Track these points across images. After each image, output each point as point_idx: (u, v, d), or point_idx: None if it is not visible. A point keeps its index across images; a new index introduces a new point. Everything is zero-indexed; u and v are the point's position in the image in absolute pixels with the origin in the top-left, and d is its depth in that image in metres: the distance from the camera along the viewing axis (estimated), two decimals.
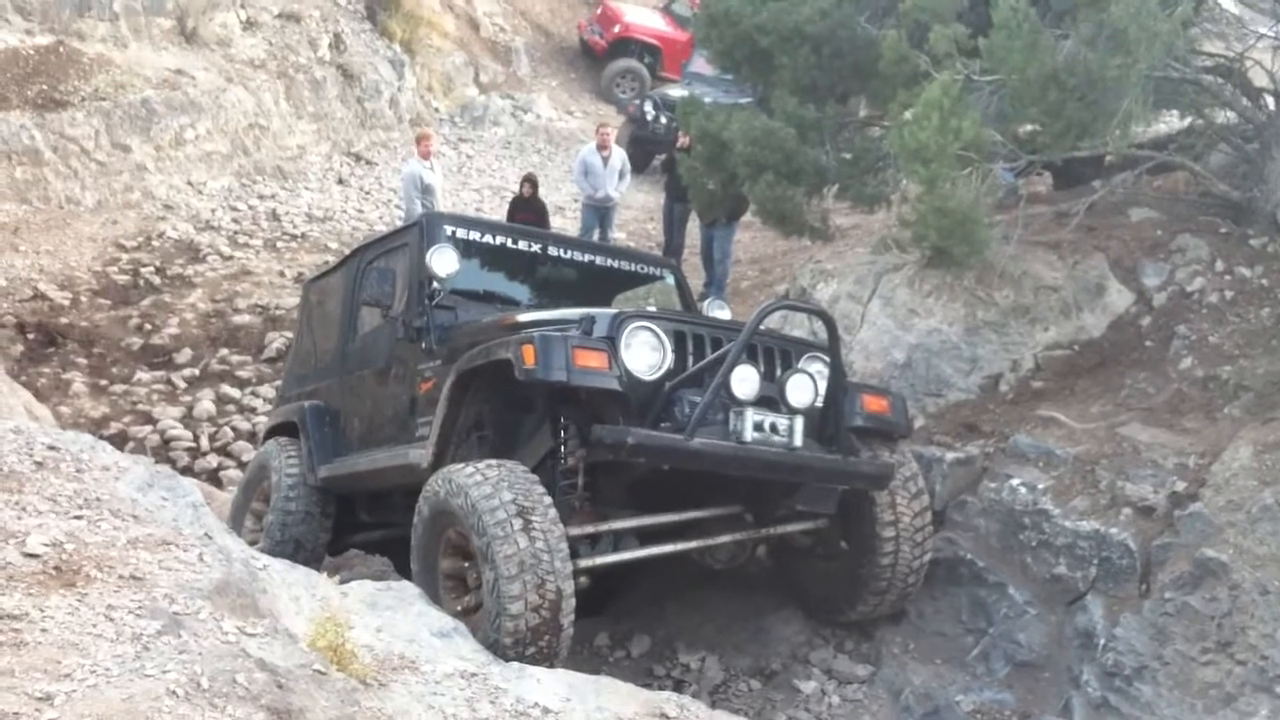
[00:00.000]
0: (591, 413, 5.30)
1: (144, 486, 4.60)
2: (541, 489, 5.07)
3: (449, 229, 6.64)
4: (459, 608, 5.21)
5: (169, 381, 10.99)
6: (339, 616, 4.16)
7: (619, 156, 12.67)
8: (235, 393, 10.87)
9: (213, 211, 14.34)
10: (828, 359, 5.59)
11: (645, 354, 5.29)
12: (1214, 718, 5.33)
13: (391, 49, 18.08)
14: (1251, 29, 8.18)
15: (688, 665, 6.30)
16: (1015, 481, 6.38)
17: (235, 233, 13.99)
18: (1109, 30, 6.35)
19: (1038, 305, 7.30)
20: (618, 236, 13.19)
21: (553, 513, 5.00)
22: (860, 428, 5.77)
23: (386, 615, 4.80)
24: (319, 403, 7.34)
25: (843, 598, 6.15)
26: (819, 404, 5.48)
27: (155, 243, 13.42)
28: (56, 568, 3.76)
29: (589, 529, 5.42)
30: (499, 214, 13.26)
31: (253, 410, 10.58)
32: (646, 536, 5.69)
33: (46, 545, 3.85)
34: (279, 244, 13.91)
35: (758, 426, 5.20)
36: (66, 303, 11.97)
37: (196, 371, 11.20)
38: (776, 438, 5.25)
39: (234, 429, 10.37)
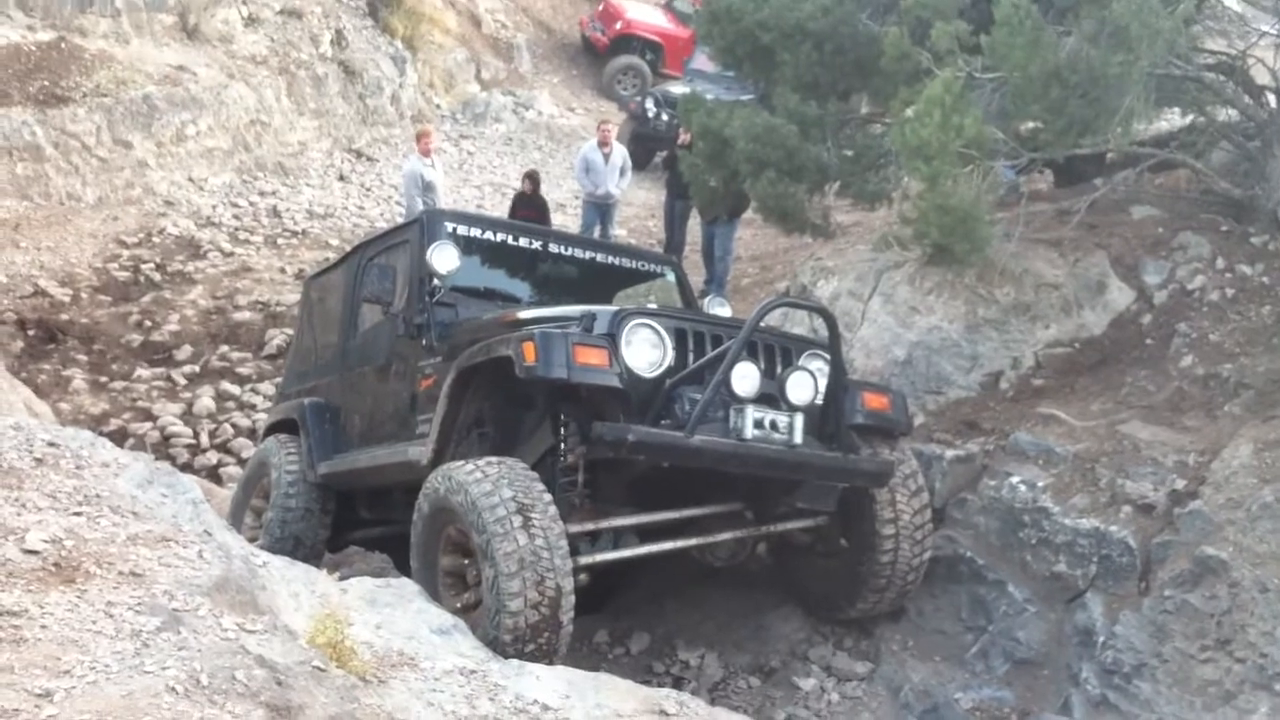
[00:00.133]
0: (592, 410, 5.29)
1: (144, 483, 4.60)
2: (541, 486, 5.07)
3: (450, 226, 6.64)
4: (458, 605, 5.21)
5: (169, 378, 10.99)
6: (338, 613, 4.16)
7: (620, 153, 12.65)
8: (235, 389, 10.88)
9: (213, 208, 14.35)
10: (828, 356, 5.59)
11: (646, 351, 5.29)
12: (1213, 715, 5.33)
13: (393, 45, 18.08)
14: (1253, 26, 8.15)
15: (687, 662, 6.29)
16: (1015, 479, 6.38)
17: (236, 229, 13.99)
18: (1111, 27, 6.34)
19: (1038, 303, 7.30)
20: (619, 233, 13.17)
21: (552, 510, 5.00)
22: (860, 425, 5.76)
23: (386, 612, 4.80)
24: (319, 399, 7.34)
25: (842, 595, 6.15)
26: (819, 401, 5.47)
27: (156, 239, 13.42)
28: (56, 564, 3.76)
29: (589, 526, 5.42)
30: (500, 211, 13.25)
31: (253, 407, 10.60)
32: (646, 534, 5.69)
33: (46, 542, 3.85)
34: (280, 241, 13.92)
35: (758, 424, 5.19)
36: (67, 299, 11.98)
37: (196, 368, 11.20)
38: (777, 435, 5.25)
39: (234, 426, 10.38)
